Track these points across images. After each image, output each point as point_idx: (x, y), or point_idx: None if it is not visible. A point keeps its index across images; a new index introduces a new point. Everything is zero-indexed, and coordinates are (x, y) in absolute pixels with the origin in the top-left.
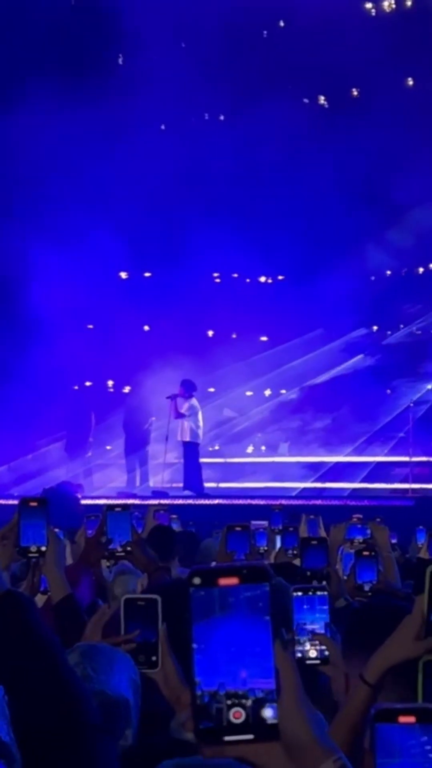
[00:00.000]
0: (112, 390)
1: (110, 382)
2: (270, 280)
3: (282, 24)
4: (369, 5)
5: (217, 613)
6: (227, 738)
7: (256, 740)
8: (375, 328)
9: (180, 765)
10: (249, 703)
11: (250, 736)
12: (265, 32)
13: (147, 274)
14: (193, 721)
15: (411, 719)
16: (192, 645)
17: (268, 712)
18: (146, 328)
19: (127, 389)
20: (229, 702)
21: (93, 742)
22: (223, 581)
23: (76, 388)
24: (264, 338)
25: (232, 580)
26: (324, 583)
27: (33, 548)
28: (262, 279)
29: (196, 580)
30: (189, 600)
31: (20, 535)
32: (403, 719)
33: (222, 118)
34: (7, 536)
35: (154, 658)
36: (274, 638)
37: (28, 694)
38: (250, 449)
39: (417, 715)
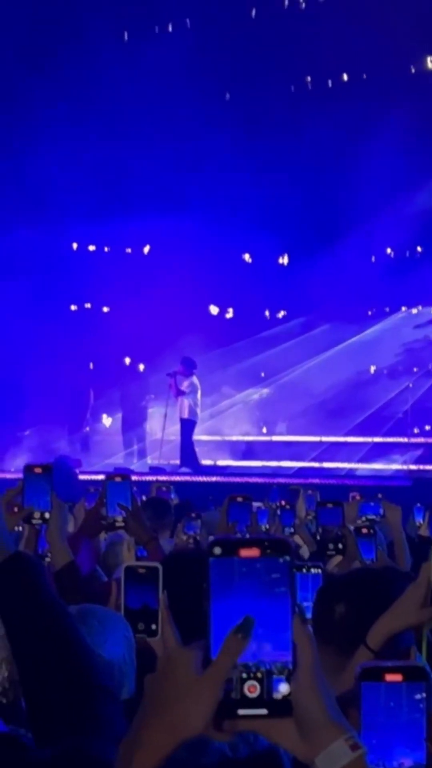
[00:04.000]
0: (112, 366)
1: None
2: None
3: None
4: None
5: (236, 584)
6: (241, 711)
7: (270, 715)
8: (369, 312)
9: None
10: (263, 676)
11: (264, 711)
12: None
13: (146, 249)
14: None
15: (398, 677)
16: (209, 616)
17: (282, 687)
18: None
19: (127, 361)
20: (243, 675)
21: (102, 703)
22: (244, 552)
23: (73, 361)
24: (266, 313)
25: (253, 552)
26: (340, 545)
27: (37, 514)
28: (247, 256)
29: (217, 550)
30: (208, 569)
31: (24, 500)
32: (389, 677)
33: (228, 97)
34: (13, 501)
35: (153, 627)
36: (293, 611)
37: (38, 656)
38: (245, 425)
39: (404, 673)
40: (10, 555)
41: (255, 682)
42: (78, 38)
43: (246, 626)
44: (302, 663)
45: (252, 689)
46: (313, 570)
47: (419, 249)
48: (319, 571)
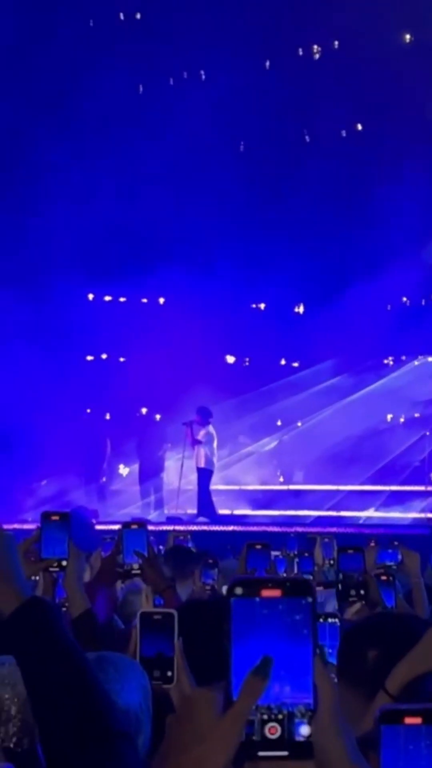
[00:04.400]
0: (129, 416)
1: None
2: (264, 306)
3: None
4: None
5: (257, 624)
6: (262, 753)
7: (291, 757)
8: (390, 360)
9: None
10: (284, 718)
11: (285, 753)
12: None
13: (161, 300)
14: None
15: (417, 720)
16: (229, 656)
17: (303, 730)
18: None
19: (143, 411)
20: (264, 716)
21: (120, 749)
22: (266, 592)
23: (89, 411)
24: (282, 362)
25: (275, 592)
26: (362, 591)
27: (54, 562)
28: (262, 306)
29: (238, 590)
30: (229, 609)
31: (42, 548)
32: (409, 720)
33: (242, 147)
34: (30, 550)
35: (169, 674)
36: (314, 653)
37: (55, 701)
38: (261, 472)
39: (423, 715)
40: (27, 600)
41: (276, 724)
42: (92, 91)
43: (265, 667)
44: (323, 705)
45: (273, 731)
46: (330, 620)
47: None
48: (337, 621)
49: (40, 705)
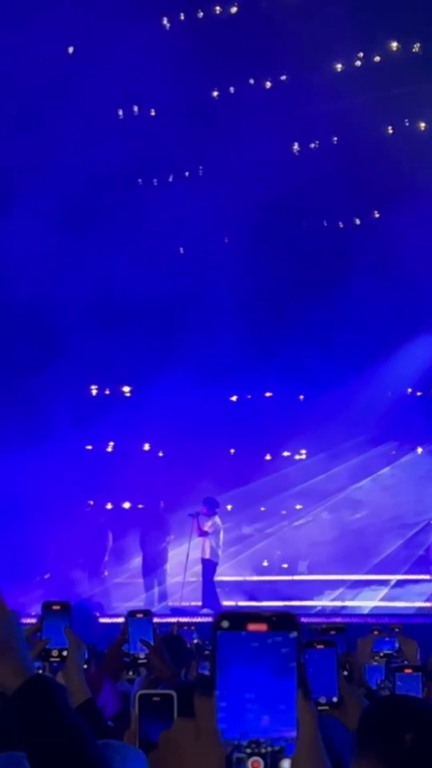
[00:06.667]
0: (128, 507)
1: (127, 504)
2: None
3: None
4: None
5: (243, 658)
6: None
7: None
8: (392, 450)
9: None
10: (268, 751)
11: None
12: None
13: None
14: None
15: None
16: (214, 689)
17: (285, 764)
18: (160, 454)
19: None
20: (249, 750)
21: None
22: (252, 626)
23: (92, 503)
24: (286, 453)
25: (261, 626)
26: (344, 672)
27: (55, 652)
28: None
29: (225, 624)
30: (215, 643)
31: (42, 638)
32: None
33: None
34: (31, 639)
35: None
36: (298, 687)
37: None
38: (265, 563)
39: None
40: (31, 677)
41: (259, 758)
42: (88, 186)
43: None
44: (303, 737)
45: (256, 765)
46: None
47: None
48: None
49: None
